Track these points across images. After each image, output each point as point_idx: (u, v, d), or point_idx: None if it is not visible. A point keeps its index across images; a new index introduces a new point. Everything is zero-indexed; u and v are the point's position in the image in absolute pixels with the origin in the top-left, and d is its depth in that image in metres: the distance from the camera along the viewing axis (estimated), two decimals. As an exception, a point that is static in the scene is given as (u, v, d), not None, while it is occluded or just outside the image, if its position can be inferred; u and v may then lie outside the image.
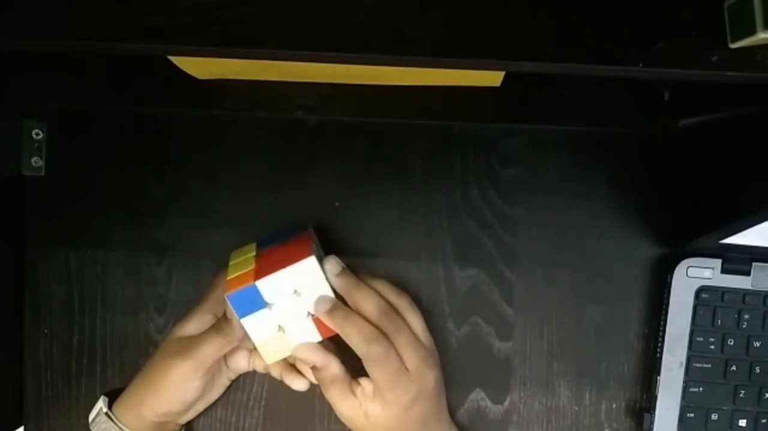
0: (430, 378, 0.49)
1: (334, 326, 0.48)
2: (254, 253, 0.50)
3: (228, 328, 0.49)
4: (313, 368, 0.50)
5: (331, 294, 0.49)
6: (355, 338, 0.47)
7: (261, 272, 0.47)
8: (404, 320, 0.50)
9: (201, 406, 0.54)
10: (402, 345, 0.48)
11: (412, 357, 0.48)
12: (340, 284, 0.49)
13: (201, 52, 0.33)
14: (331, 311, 0.47)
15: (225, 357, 0.53)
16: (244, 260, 0.50)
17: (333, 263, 0.49)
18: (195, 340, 0.51)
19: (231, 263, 0.51)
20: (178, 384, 0.51)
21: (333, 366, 0.50)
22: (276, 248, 0.50)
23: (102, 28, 0.32)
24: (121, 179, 0.57)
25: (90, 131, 0.57)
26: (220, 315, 0.52)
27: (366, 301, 0.49)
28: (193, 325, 0.52)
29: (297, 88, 0.54)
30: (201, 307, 0.52)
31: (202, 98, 0.55)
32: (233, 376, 0.55)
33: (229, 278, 0.48)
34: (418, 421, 0.49)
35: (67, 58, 0.53)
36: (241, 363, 0.54)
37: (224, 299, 0.48)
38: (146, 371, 0.52)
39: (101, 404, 0.52)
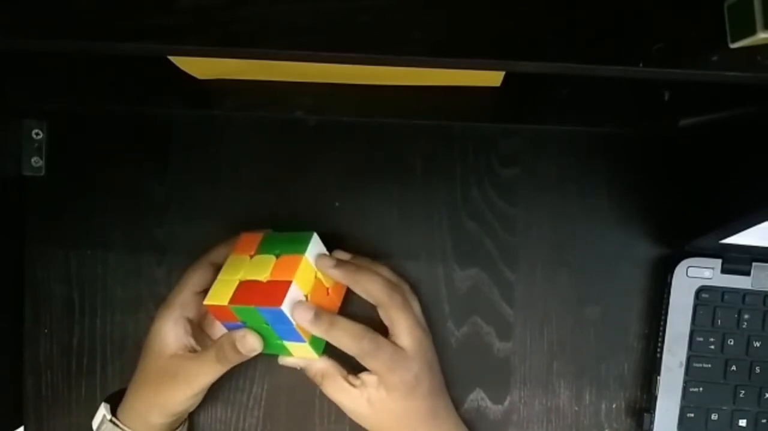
0: (429, 353, 0.50)
1: (320, 333, 0.48)
2: (241, 277, 0.50)
3: (233, 356, 0.49)
4: (300, 369, 0.51)
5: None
6: (345, 340, 0.48)
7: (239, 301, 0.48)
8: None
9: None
10: (403, 319, 0.49)
11: (411, 335, 0.49)
12: (340, 274, 0.49)
13: (201, 52, 0.33)
14: (315, 320, 0.47)
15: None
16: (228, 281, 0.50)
17: (326, 259, 0.50)
18: (196, 369, 0.50)
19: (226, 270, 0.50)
20: (191, 391, 0.51)
21: (316, 363, 0.50)
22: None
23: (102, 28, 0.32)
24: (121, 179, 0.57)
25: (90, 131, 0.58)
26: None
27: (371, 282, 0.49)
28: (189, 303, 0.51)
29: (297, 88, 0.54)
30: (184, 289, 0.51)
31: (202, 98, 0.55)
32: None
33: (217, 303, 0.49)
34: (426, 406, 0.50)
35: (67, 58, 0.53)
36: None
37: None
38: (151, 375, 0.51)
39: (104, 411, 0.52)
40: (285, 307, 0.46)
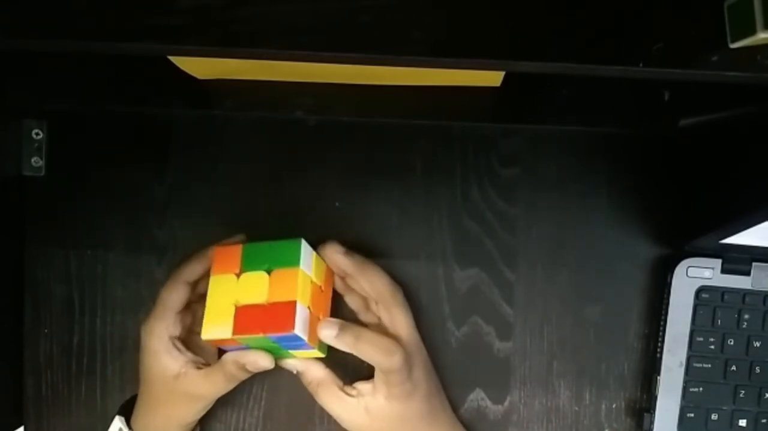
0: (424, 354, 0.51)
1: (346, 347, 0.47)
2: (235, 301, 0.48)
3: (242, 375, 0.49)
4: (297, 374, 0.51)
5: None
6: (375, 354, 0.47)
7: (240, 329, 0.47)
8: None
9: None
10: (404, 319, 0.50)
11: (410, 336, 0.50)
12: (348, 263, 0.50)
13: (201, 52, 0.33)
14: (340, 335, 0.47)
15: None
16: (224, 309, 0.47)
17: (336, 245, 0.50)
18: (206, 387, 0.50)
19: (210, 303, 0.48)
20: (206, 404, 0.52)
21: (313, 369, 0.50)
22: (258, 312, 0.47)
23: (102, 28, 0.32)
24: (121, 179, 0.57)
25: (90, 131, 0.57)
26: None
27: (378, 275, 0.50)
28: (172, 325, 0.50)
29: (297, 88, 0.54)
30: (166, 308, 0.50)
31: (202, 98, 0.55)
32: None
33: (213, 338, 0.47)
34: (423, 408, 0.50)
35: (67, 58, 0.53)
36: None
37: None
38: (162, 398, 0.51)
39: (120, 424, 0.51)
40: (298, 330, 0.45)
